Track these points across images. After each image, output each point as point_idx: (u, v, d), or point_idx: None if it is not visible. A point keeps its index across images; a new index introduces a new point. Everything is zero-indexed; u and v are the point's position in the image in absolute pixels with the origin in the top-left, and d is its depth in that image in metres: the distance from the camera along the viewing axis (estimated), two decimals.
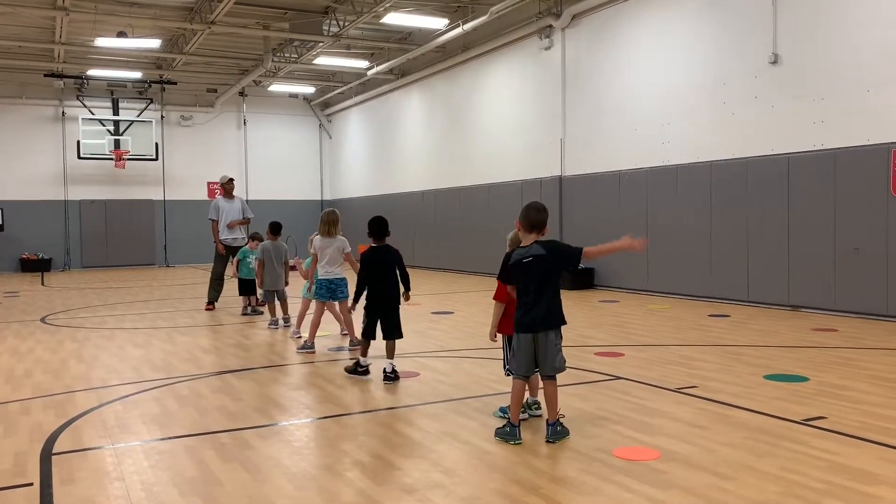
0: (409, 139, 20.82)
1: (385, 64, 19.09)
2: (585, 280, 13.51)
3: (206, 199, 24.33)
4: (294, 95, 25.16)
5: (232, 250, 11.52)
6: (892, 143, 8.99)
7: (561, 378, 4.67)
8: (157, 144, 23.02)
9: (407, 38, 18.40)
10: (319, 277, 7.57)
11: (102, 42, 17.05)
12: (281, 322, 9.56)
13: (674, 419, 4.88)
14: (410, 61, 18.93)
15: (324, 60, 19.20)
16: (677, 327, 8.97)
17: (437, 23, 16.06)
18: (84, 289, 15.96)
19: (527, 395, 5.10)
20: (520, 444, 4.40)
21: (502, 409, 4.98)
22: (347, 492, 3.72)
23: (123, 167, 22.51)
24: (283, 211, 24.96)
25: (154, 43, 17.70)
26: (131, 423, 5.08)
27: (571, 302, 11.20)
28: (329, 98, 24.72)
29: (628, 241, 4.49)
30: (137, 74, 21.14)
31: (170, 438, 4.71)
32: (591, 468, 3.97)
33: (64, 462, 4.26)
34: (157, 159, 23.12)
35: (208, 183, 24.32)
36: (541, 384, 4.67)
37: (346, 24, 15.83)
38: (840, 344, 7.64)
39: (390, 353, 6.30)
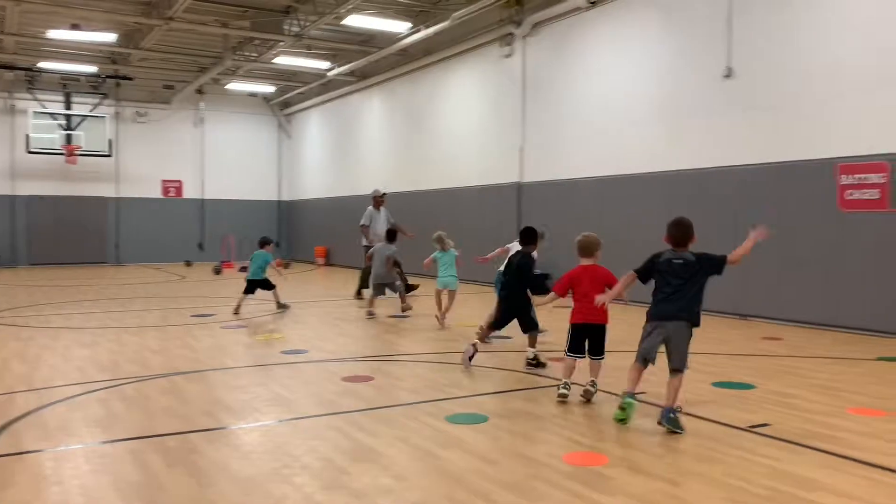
0: (370, 141, 20.73)
1: (346, 66, 18.99)
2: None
3: (160, 196, 23.95)
4: (253, 94, 24.85)
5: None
6: (838, 157, 9.24)
7: (510, 383, 4.68)
8: (110, 140, 22.50)
9: (369, 40, 18.32)
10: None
11: (55, 34, 16.63)
12: (375, 314, 10.58)
13: (622, 425, 4.93)
14: (372, 64, 18.85)
15: (284, 60, 19.02)
16: (629, 334, 9.05)
17: (400, 26, 16.03)
18: (30, 286, 15.51)
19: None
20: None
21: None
22: (295, 497, 3.67)
23: (75, 163, 21.94)
24: (239, 211, 24.75)
25: (109, 37, 17.30)
26: (74, 425, 4.95)
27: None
28: (289, 98, 24.49)
29: (755, 238, 5.10)
30: (92, 68, 20.66)
31: (113, 441, 4.59)
32: (540, 473, 3.99)
33: (0, 466, 4.12)
34: (110, 155, 22.60)
35: (162, 181, 23.95)
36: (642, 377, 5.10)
37: (308, 24, 15.70)
38: (786, 353, 7.82)
39: (531, 343, 6.98)
